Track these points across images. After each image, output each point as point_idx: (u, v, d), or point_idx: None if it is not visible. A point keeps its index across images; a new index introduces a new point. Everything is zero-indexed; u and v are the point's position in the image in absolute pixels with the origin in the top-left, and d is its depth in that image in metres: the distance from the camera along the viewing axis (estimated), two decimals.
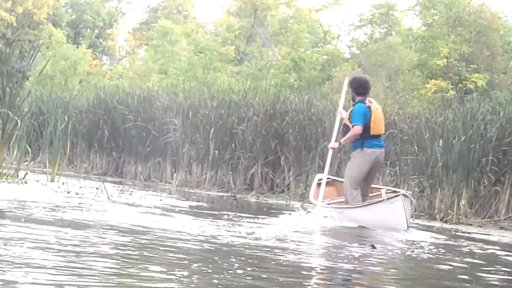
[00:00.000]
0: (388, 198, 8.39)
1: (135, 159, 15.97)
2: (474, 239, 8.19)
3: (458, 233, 9.11)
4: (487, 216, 10.95)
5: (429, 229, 9.22)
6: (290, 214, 9.19)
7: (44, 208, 6.23)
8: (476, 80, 20.56)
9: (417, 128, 12.68)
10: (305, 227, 7.58)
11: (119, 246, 4.34)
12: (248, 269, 3.93)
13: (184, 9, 44.23)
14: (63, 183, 8.97)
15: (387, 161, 12.36)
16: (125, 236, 4.87)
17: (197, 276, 3.55)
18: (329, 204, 9.25)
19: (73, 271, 3.30)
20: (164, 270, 3.64)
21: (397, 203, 8.25)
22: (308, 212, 8.97)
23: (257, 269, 3.99)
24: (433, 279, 4.61)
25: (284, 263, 4.44)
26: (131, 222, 5.92)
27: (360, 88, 9.00)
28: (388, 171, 12.06)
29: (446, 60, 21.06)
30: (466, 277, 4.73)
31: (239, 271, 3.79)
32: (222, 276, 3.60)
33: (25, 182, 8.67)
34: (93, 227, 5.20)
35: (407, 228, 8.22)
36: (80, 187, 9.28)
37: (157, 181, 15.24)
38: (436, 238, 7.76)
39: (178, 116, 15.29)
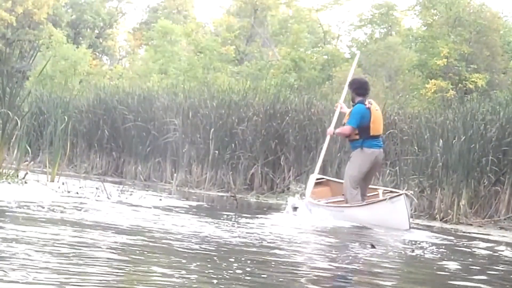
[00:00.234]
0: (391, 198, 8.44)
1: (135, 159, 15.97)
2: (474, 239, 8.19)
3: (458, 233, 9.11)
4: (487, 216, 10.95)
5: (429, 229, 9.22)
6: (281, 212, 9.24)
7: (44, 208, 6.24)
8: (476, 80, 20.55)
9: (417, 128, 12.68)
10: (298, 224, 7.61)
11: (118, 246, 4.35)
12: (248, 269, 3.93)
13: (184, 9, 44.23)
14: (63, 183, 8.97)
15: (387, 161, 12.37)
16: (125, 236, 4.87)
17: (196, 276, 3.55)
18: (327, 203, 9.32)
19: (73, 271, 3.30)
20: (163, 270, 3.64)
21: (399, 203, 8.30)
22: (295, 207, 9.02)
23: (256, 269, 3.99)
24: (433, 279, 4.61)
25: (284, 263, 4.44)
26: (131, 222, 5.92)
27: (360, 89, 9.08)
28: (388, 171, 12.06)
29: (446, 60, 21.05)
30: (466, 277, 4.73)
31: (238, 271, 3.79)
32: (221, 276, 3.60)
33: (25, 182, 8.67)
34: (93, 227, 5.20)
35: (409, 228, 8.25)
36: (80, 187, 9.28)
37: (157, 181, 15.24)
38: (436, 238, 7.76)
39: (178, 116, 15.29)
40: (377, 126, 8.86)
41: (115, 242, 4.47)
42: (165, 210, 7.64)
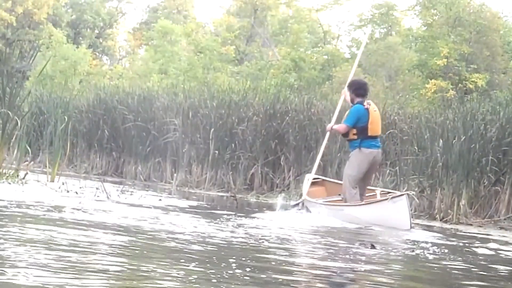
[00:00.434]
0: (392, 198, 8.51)
1: (135, 159, 15.97)
2: (474, 239, 8.19)
3: (458, 233, 9.11)
4: (487, 216, 10.95)
5: (429, 229, 9.23)
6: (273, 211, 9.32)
7: (44, 208, 6.24)
8: (476, 80, 20.55)
9: (417, 128, 12.68)
10: (297, 224, 7.63)
11: (118, 245, 4.35)
12: (247, 269, 3.93)
13: (184, 9, 44.22)
14: (63, 183, 8.96)
15: (387, 161, 12.39)
16: (124, 236, 4.87)
17: (195, 276, 3.55)
18: (326, 202, 9.39)
19: (73, 271, 3.30)
20: (162, 270, 3.64)
21: (401, 203, 8.37)
22: (295, 205, 9.10)
23: (255, 269, 3.99)
24: (433, 279, 4.61)
25: (283, 263, 4.44)
26: (130, 222, 5.92)
27: (359, 90, 9.19)
28: (388, 171, 12.06)
29: (446, 60, 21.04)
30: (466, 276, 4.73)
31: (238, 271, 3.79)
32: (220, 276, 3.60)
33: (25, 182, 8.67)
34: (92, 227, 5.20)
35: (410, 228, 8.30)
36: (80, 187, 9.28)
37: (157, 181, 15.24)
38: (436, 238, 7.76)
39: (178, 116, 15.29)
40: (375, 126, 8.97)
41: (115, 242, 4.47)
42: (165, 210, 7.64)
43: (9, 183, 8.36)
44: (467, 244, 7.32)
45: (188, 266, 3.87)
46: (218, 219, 7.11)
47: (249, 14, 33.76)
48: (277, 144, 14.29)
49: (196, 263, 4.02)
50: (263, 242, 5.50)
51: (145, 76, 27.95)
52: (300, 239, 6.42)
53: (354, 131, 8.91)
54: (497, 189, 11.02)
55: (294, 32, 27.27)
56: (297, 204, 9.22)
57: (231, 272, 3.76)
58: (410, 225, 8.36)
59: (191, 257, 4.30)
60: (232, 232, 5.99)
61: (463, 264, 5.39)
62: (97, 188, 8.82)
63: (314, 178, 9.88)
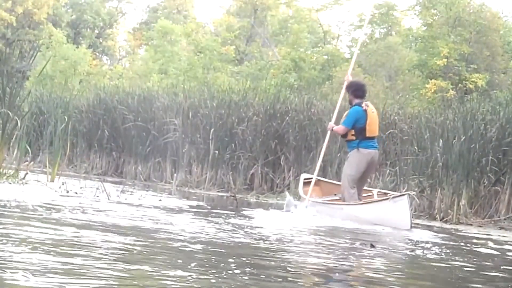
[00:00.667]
0: (393, 197, 8.58)
1: (135, 159, 15.97)
2: (474, 239, 8.19)
3: (458, 233, 9.11)
4: (487, 216, 10.96)
5: (429, 229, 9.23)
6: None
7: (44, 208, 6.23)
8: (476, 80, 20.55)
9: (417, 128, 12.69)
10: (297, 224, 7.64)
11: (118, 246, 4.35)
12: (246, 269, 3.93)
13: (184, 9, 44.22)
14: (63, 183, 8.96)
15: (387, 161, 12.39)
16: (124, 236, 4.87)
17: (194, 276, 3.55)
18: (326, 201, 9.45)
19: (72, 271, 3.30)
20: (162, 270, 3.64)
21: (402, 203, 8.44)
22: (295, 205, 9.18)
23: (255, 269, 3.99)
24: (434, 279, 4.61)
25: (283, 263, 4.43)
26: (130, 222, 5.92)
27: (358, 91, 9.37)
28: (388, 171, 12.07)
29: (446, 60, 21.04)
30: (466, 276, 4.73)
31: (237, 271, 3.79)
32: (219, 275, 3.60)
33: (25, 182, 8.67)
34: (92, 227, 5.20)
35: (410, 228, 8.34)
36: (80, 187, 9.28)
37: (157, 181, 15.24)
38: (436, 238, 7.77)
39: (178, 116, 15.29)
40: (373, 128, 9.15)
41: (115, 242, 4.47)
42: (165, 210, 7.64)
43: (9, 183, 8.36)
44: (467, 244, 7.32)
45: (188, 266, 3.87)
46: (218, 219, 7.11)
47: (249, 14, 33.77)
48: (277, 144, 14.29)
49: (196, 263, 4.02)
50: (263, 242, 5.50)
51: (145, 76, 27.96)
52: (299, 238, 6.42)
53: (353, 132, 9.11)
54: (497, 189, 11.02)
55: (294, 32, 27.27)
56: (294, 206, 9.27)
57: (231, 272, 3.76)
58: (411, 225, 8.42)
59: (190, 257, 4.30)
60: (232, 232, 5.99)
61: (463, 264, 5.38)
62: (97, 188, 8.82)
63: (309, 178, 9.99)
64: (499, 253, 6.75)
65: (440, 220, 10.71)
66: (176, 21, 36.41)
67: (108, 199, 8.22)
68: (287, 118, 14.34)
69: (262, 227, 6.77)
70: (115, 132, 16.58)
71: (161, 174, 15.50)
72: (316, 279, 4.01)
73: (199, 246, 4.80)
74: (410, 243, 6.90)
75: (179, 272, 3.59)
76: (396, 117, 13.79)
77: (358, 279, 4.24)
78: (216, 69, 27.37)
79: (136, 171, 15.81)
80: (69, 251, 3.86)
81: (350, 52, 29.25)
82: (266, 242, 5.53)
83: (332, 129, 9.54)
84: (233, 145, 14.40)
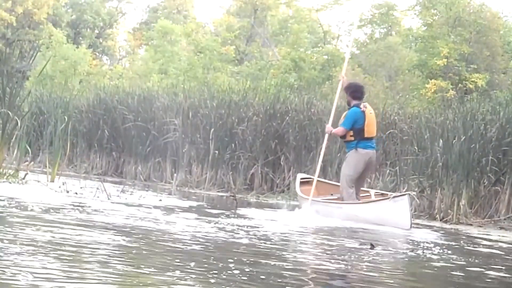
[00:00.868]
0: (394, 197, 8.66)
1: (135, 159, 15.97)
2: (474, 239, 8.19)
3: (458, 233, 9.11)
4: (487, 216, 10.95)
5: (429, 229, 9.23)
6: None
7: (44, 208, 6.24)
8: (476, 80, 20.54)
9: (417, 128, 12.69)
10: (297, 224, 7.65)
11: (118, 245, 4.35)
12: (246, 269, 3.93)
13: (184, 9, 44.21)
14: (63, 183, 8.97)
15: (387, 161, 12.39)
16: (124, 236, 4.87)
17: (194, 276, 3.55)
18: (326, 200, 9.49)
19: (72, 271, 3.30)
20: (161, 270, 3.64)
21: (402, 202, 8.50)
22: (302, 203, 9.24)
23: (254, 269, 3.99)
24: (433, 278, 4.61)
25: (282, 263, 4.43)
26: (131, 222, 5.92)
27: (356, 92, 9.48)
28: (388, 171, 12.07)
29: (446, 60, 21.04)
30: (466, 276, 4.73)
31: (236, 271, 3.79)
32: (218, 275, 3.60)
33: (25, 182, 8.67)
34: (93, 227, 5.20)
35: (410, 228, 8.37)
36: (80, 187, 9.28)
37: (157, 181, 15.24)
38: (436, 238, 7.77)
39: (178, 116, 15.29)
40: (371, 128, 9.27)
41: (115, 242, 4.47)
42: (165, 210, 7.64)
43: (9, 183, 8.37)
44: (467, 244, 7.33)
45: (187, 266, 3.87)
46: (218, 219, 7.11)
47: (249, 14, 33.76)
48: (277, 144, 14.29)
49: (196, 263, 4.02)
50: (262, 241, 5.50)
51: (145, 76, 27.95)
52: (299, 239, 6.42)
53: (351, 132, 9.24)
54: (497, 189, 11.02)
55: (294, 32, 27.26)
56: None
57: (230, 272, 3.76)
58: (411, 225, 8.45)
59: (189, 257, 4.30)
60: (231, 232, 5.99)
61: (463, 264, 5.39)
62: (97, 188, 8.82)
63: (305, 178, 10.10)
64: (499, 253, 6.75)
65: (440, 220, 10.70)
66: (176, 21, 36.40)
67: (108, 199, 8.22)
68: (287, 118, 14.34)
69: (261, 227, 6.77)
70: (115, 132, 16.58)
71: (161, 174, 15.50)
72: (316, 279, 4.01)
73: (199, 246, 4.80)
74: (410, 243, 6.90)
75: (179, 272, 3.59)
76: (396, 117, 13.79)
77: (358, 279, 4.24)
78: (216, 69, 27.36)
79: (136, 171, 15.80)
80: (69, 251, 3.86)
81: (350, 52, 29.21)
82: (266, 241, 5.53)
83: (331, 133, 9.58)
84: (233, 145, 14.40)
